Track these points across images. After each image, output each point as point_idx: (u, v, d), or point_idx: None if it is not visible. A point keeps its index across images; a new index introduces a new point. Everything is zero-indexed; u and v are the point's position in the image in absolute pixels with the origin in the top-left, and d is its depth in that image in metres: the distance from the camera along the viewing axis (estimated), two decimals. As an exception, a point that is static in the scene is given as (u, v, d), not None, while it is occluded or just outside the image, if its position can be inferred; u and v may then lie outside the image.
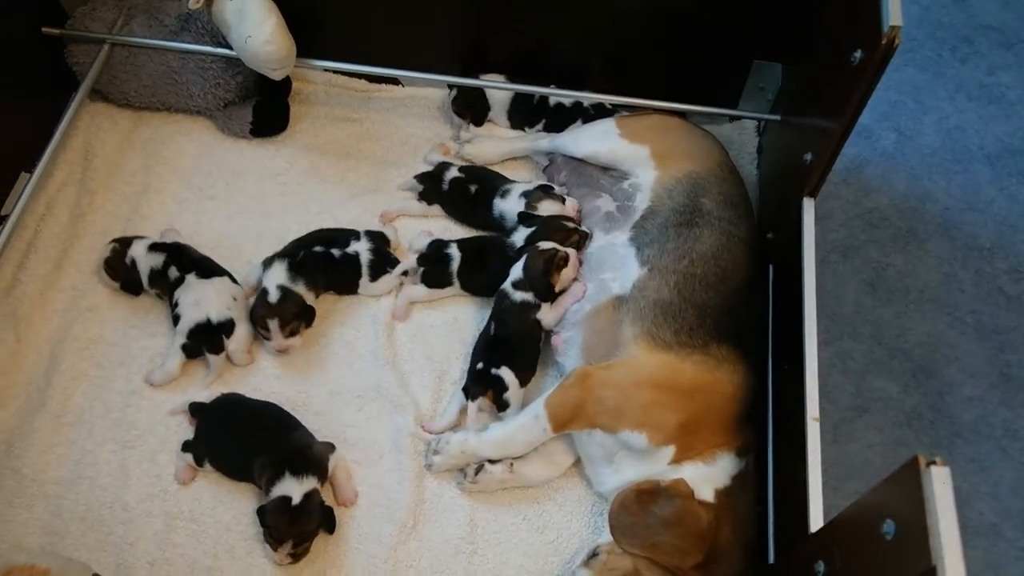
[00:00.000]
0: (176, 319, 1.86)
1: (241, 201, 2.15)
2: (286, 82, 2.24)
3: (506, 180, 2.12)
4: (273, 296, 1.86)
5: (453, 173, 2.12)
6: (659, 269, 1.79)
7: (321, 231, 2.01)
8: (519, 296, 1.85)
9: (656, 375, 1.65)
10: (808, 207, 1.72)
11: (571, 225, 1.95)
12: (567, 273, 1.86)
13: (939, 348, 2.12)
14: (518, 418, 1.75)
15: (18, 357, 1.89)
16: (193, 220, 2.11)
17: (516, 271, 1.88)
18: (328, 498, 1.73)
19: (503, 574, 1.71)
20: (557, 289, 1.86)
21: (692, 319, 1.71)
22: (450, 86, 2.25)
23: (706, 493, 1.58)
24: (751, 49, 2.13)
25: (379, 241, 2.00)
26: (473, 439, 1.75)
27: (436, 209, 2.14)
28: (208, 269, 1.91)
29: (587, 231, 1.96)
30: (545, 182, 2.11)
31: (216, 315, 1.83)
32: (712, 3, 2.05)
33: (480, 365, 1.82)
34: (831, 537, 1.28)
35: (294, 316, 1.87)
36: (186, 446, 1.75)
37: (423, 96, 2.35)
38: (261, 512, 1.65)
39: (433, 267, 1.97)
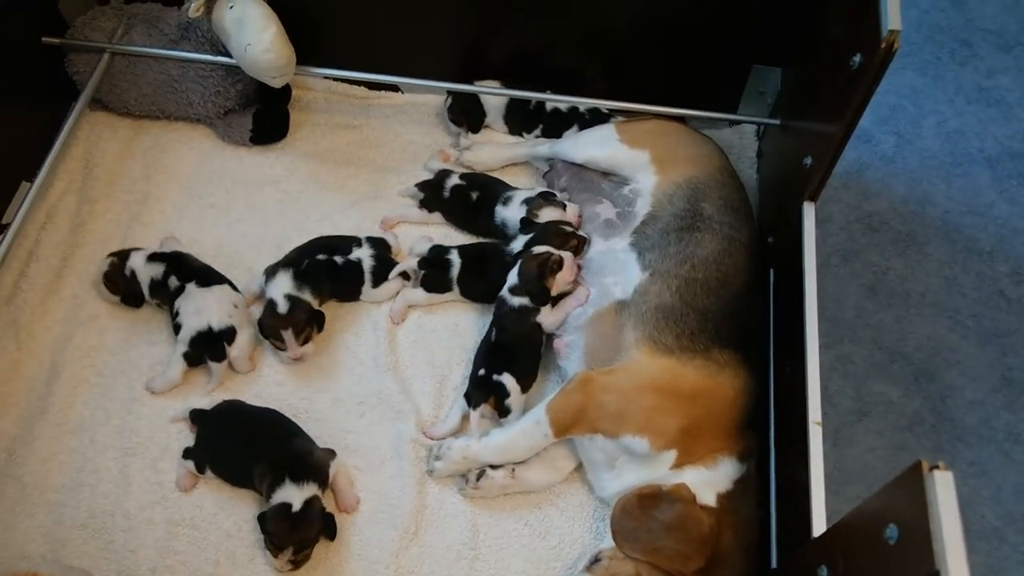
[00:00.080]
0: (177, 328, 1.86)
1: (241, 208, 2.15)
2: (286, 90, 2.25)
3: (508, 187, 2.12)
4: (282, 307, 1.86)
5: (454, 180, 2.12)
6: (661, 274, 1.79)
7: (322, 238, 2.01)
8: (517, 301, 1.85)
9: (658, 380, 1.65)
10: (808, 211, 1.72)
11: (569, 229, 1.95)
12: (563, 276, 1.86)
13: (940, 352, 2.12)
14: (519, 423, 1.75)
15: (19, 365, 1.89)
16: (193, 228, 2.11)
17: (512, 276, 1.88)
18: (329, 504, 1.72)
19: (505, 580, 1.71)
20: (554, 293, 1.86)
21: (694, 324, 1.71)
22: (449, 92, 2.25)
23: (708, 498, 1.58)
24: (751, 53, 2.13)
25: (381, 247, 2.01)
26: (474, 445, 1.75)
27: (437, 216, 2.14)
28: (208, 277, 1.91)
29: (585, 236, 1.96)
30: (546, 189, 2.10)
31: (217, 323, 1.83)
32: (711, 8, 2.05)
33: (482, 371, 1.82)
34: (834, 541, 1.28)
35: (306, 323, 1.87)
36: (187, 453, 1.75)
37: (423, 103, 2.35)
38: (262, 519, 1.65)
39: (433, 271, 1.98)
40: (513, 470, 1.75)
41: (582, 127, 2.21)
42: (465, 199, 2.10)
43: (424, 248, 2.01)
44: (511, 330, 1.84)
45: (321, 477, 1.69)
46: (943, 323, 2.15)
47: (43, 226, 2.07)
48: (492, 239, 2.09)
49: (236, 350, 1.85)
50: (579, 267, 1.91)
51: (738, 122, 2.28)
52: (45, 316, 1.95)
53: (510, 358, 1.81)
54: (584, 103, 2.21)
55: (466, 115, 2.25)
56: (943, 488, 0.99)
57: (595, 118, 2.22)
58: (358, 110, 2.34)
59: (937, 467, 1.01)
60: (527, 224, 1.98)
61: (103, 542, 1.69)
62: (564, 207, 2.02)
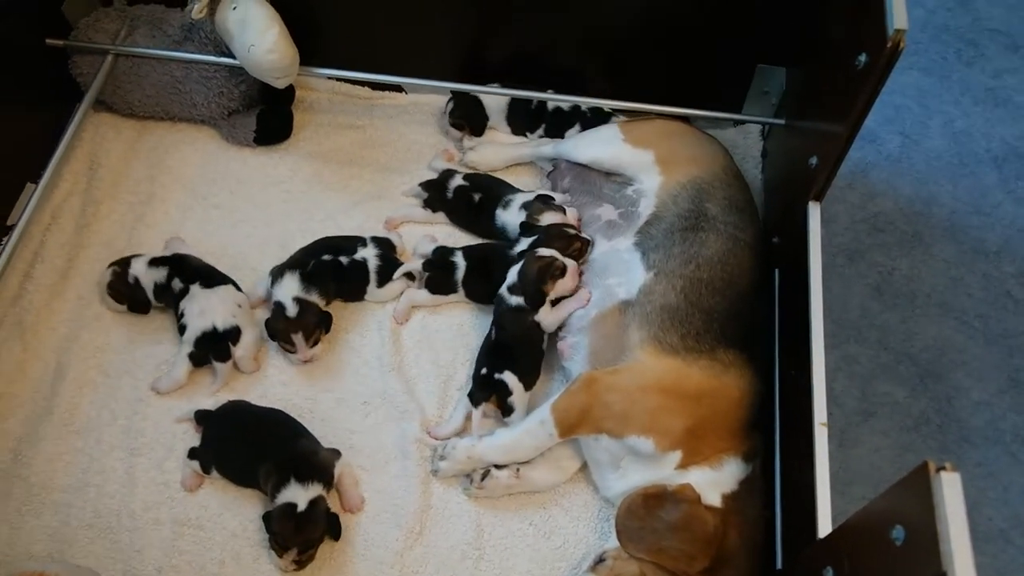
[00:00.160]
0: (182, 329, 1.86)
1: (245, 209, 2.15)
2: (289, 90, 2.25)
3: (510, 189, 2.11)
4: (291, 310, 1.86)
5: (457, 181, 2.12)
6: (665, 274, 1.79)
7: (327, 239, 2.01)
8: (514, 300, 1.85)
9: (663, 380, 1.65)
10: (814, 211, 1.71)
11: (572, 232, 1.95)
12: (564, 284, 1.86)
13: (946, 352, 2.11)
14: (524, 423, 1.74)
15: (25, 366, 1.89)
16: (198, 228, 2.11)
17: (512, 275, 1.88)
18: (334, 504, 1.72)
19: (510, 581, 1.71)
20: (552, 297, 1.86)
21: (699, 324, 1.71)
22: (451, 97, 2.25)
23: (713, 498, 1.58)
24: (755, 53, 2.13)
25: (386, 247, 2.01)
26: (479, 444, 1.75)
27: (440, 216, 2.14)
28: (211, 278, 1.91)
29: (588, 238, 1.96)
30: (544, 191, 2.09)
31: (222, 323, 1.83)
32: (716, 7, 2.05)
33: (483, 370, 1.82)
34: (840, 543, 1.28)
35: (315, 326, 1.88)
36: (192, 453, 1.76)
37: (426, 103, 2.35)
38: (267, 519, 1.65)
39: (438, 273, 1.98)
40: (518, 470, 1.75)
41: (584, 126, 2.21)
42: (468, 200, 2.10)
43: (428, 249, 2.01)
44: (509, 329, 1.84)
45: (326, 477, 1.69)
46: (949, 324, 2.15)
47: (48, 227, 2.08)
48: (495, 240, 2.09)
49: (241, 350, 1.85)
50: (580, 273, 1.91)
51: (742, 122, 2.28)
52: (50, 317, 1.96)
53: (511, 356, 1.81)
54: (588, 103, 2.21)
55: (468, 119, 2.25)
56: (950, 489, 0.99)
57: (597, 117, 2.22)
58: (362, 110, 2.34)
59: (944, 468, 1.00)
60: (527, 228, 1.98)
61: (109, 542, 1.70)
62: (563, 210, 2.01)
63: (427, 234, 2.10)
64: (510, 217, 2.04)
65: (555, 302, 1.87)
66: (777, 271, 1.90)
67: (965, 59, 2.61)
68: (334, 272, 1.94)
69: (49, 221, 2.08)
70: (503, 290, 1.87)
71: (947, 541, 0.97)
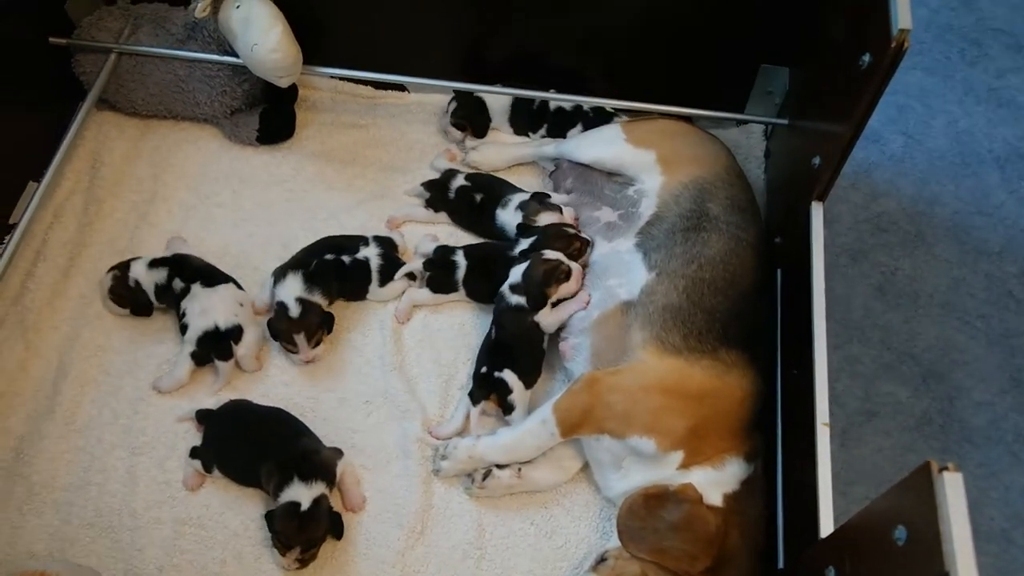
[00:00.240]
0: (184, 328, 1.86)
1: (248, 208, 2.15)
2: (292, 89, 2.25)
3: (511, 189, 2.11)
4: (294, 310, 1.86)
5: (459, 181, 2.12)
6: (667, 274, 1.79)
7: (329, 238, 2.01)
8: (514, 300, 1.85)
9: (665, 380, 1.65)
10: (817, 211, 1.71)
11: (571, 231, 1.95)
12: (568, 287, 1.86)
13: (949, 353, 2.11)
14: (526, 423, 1.74)
15: (27, 365, 1.89)
16: (200, 227, 2.11)
17: (515, 275, 1.87)
18: (336, 504, 1.72)
19: (511, 580, 1.71)
20: (553, 299, 1.86)
21: (701, 324, 1.71)
22: (454, 91, 2.25)
23: (714, 498, 1.58)
24: (757, 53, 2.13)
25: (388, 246, 2.01)
26: (480, 444, 1.75)
27: (442, 216, 2.14)
28: (212, 277, 1.91)
29: (588, 238, 1.96)
30: (539, 190, 2.09)
31: (224, 322, 1.83)
32: (719, 7, 2.04)
33: (483, 369, 1.82)
34: (842, 542, 1.28)
35: (318, 326, 1.88)
36: (194, 452, 1.76)
37: (429, 102, 2.35)
38: (269, 518, 1.65)
39: (439, 273, 1.98)
40: (519, 470, 1.75)
41: (586, 126, 2.21)
42: (469, 200, 2.10)
43: (429, 248, 2.01)
44: (509, 328, 1.84)
45: (328, 476, 1.69)
46: (952, 324, 2.14)
47: (50, 226, 2.08)
48: (496, 240, 2.09)
49: (243, 349, 1.85)
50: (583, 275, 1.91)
51: (745, 122, 2.28)
52: (52, 316, 1.96)
53: (511, 355, 1.81)
54: (590, 102, 2.21)
55: (471, 120, 2.25)
56: (953, 489, 0.99)
57: (599, 117, 2.22)
58: (364, 109, 2.34)
59: (947, 468, 1.00)
60: (524, 229, 1.98)
61: (110, 541, 1.70)
62: (560, 210, 2.01)
63: (429, 233, 2.10)
64: (508, 217, 2.04)
65: (555, 304, 1.87)
66: (780, 271, 1.90)
67: (968, 59, 2.61)
68: (337, 271, 1.94)
69: (51, 220, 2.09)
70: (505, 288, 1.87)
71: (949, 541, 0.97)
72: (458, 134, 2.26)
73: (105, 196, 2.14)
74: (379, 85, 2.35)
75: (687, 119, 2.18)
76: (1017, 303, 2.18)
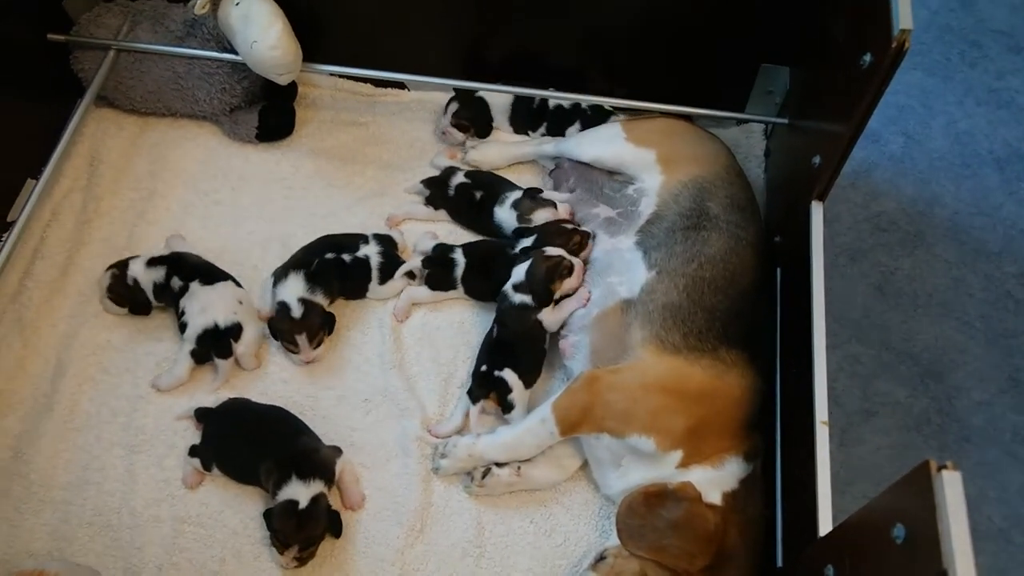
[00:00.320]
0: (183, 327, 1.86)
1: (247, 206, 2.15)
2: (292, 87, 2.25)
3: (511, 187, 2.11)
4: (296, 311, 1.86)
5: (459, 179, 2.12)
6: (667, 272, 1.79)
7: (329, 237, 2.01)
8: (518, 298, 1.85)
9: (665, 379, 1.65)
10: (816, 211, 1.71)
11: (570, 227, 1.95)
12: (570, 282, 1.86)
13: (948, 352, 2.11)
14: (525, 421, 1.74)
15: (25, 363, 1.89)
16: (199, 225, 2.11)
17: (519, 273, 1.87)
18: (335, 502, 1.72)
19: (510, 579, 1.71)
20: (557, 296, 1.86)
21: (701, 323, 1.71)
22: (455, 90, 2.24)
23: (714, 497, 1.58)
24: (757, 53, 2.13)
25: (388, 244, 2.01)
26: (480, 442, 1.75)
27: (442, 214, 2.14)
28: (211, 275, 1.91)
29: (588, 231, 1.96)
30: (532, 187, 2.09)
31: (223, 320, 1.83)
32: (719, 7, 2.04)
33: (483, 367, 1.82)
34: (840, 541, 1.28)
35: (320, 327, 1.88)
36: (193, 450, 1.75)
37: (429, 100, 2.35)
38: (268, 516, 1.65)
39: (437, 270, 1.98)
40: (519, 468, 1.75)
41: (585, 124, 2.21)
42: (469, 198, 2.10)
43: (428, 246, 2.01)
44: (512, 327, 1.84)
45: (327, 474, 1.69)
46: (951, 324, 2.15)
47: (48, 224, 2.07)
48: (495, 237, 2.09)
49: (242, 346, 1.85)
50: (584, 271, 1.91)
51: (746, 121, 2.28)
52: (51, 313, 1.95)
53: (511, 354, 1.81)
54: (591, 101, 2.20)
55: (474, 120, 2.24)
56: (951, 488, 0.99)
57: (597, 115, 2.22)
58: (364, 107, 2.34)
59: (945, 467, 1.00)
60: (522, 232, 1.97)
61: (109, 539, 1.70)
62: (555, 205, 2.01)
63: (428, 231, 2.10)
64: (505, 215, 2.04)
65: (557, 301, 1.87)
66: (779, 270, 1.90)
67: (968, 60, 2.61)
68: (337, 270, 1.94)
69: (49, 218, 2.08)
70: (508, 287, 1.87)
71: (948, 540, 0.97)
72: (459, 135, 2.24)
73: (103, 194, 2.13)
74: (379, 83, 2.35)
75: (687, 118, 2.18)
76: (1016, 303, 2.18)
